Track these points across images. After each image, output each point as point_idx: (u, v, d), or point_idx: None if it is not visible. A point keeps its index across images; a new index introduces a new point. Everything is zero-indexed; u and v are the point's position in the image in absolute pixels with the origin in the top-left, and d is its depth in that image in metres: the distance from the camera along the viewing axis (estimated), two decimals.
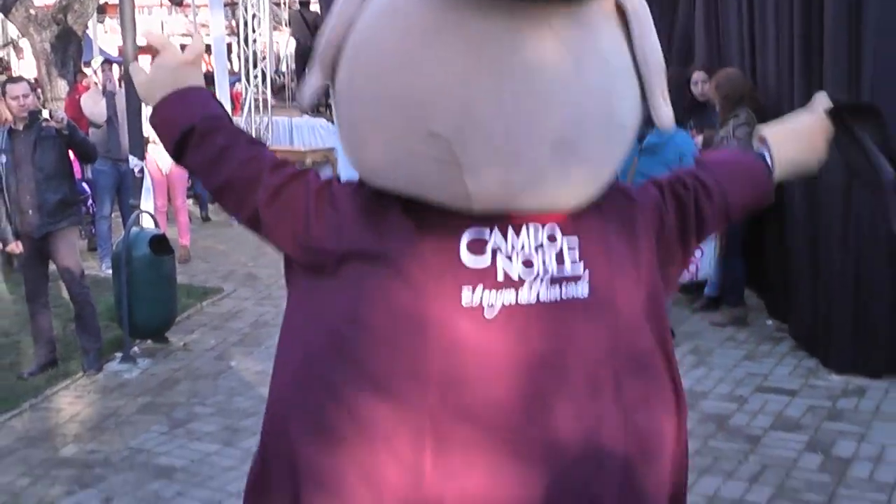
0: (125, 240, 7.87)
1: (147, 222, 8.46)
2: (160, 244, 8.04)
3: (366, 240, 2.14)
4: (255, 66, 16.11)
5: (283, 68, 22.33)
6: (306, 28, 18.38)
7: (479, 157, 2.04)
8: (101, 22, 27.82)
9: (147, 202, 10.51)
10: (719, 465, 5.45)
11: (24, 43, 19.94)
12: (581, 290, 2.16)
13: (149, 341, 8.20)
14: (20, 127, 7.34)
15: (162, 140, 2.30)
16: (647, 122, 2.42)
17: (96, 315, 7.74)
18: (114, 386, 7.28)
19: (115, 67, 11.99)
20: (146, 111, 10.62)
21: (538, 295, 2.12)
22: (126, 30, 9.16)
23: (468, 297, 2.08)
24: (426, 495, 2.06)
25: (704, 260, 7.63)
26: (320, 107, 18.43)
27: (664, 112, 2.30)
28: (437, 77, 2.01)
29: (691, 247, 2.51)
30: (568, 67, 2.04)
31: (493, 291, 2.10)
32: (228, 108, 14.35)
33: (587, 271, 2.18)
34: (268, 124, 16.05)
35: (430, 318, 2.07)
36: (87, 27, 17.14)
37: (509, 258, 2.13)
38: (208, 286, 10.21)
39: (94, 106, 11.00)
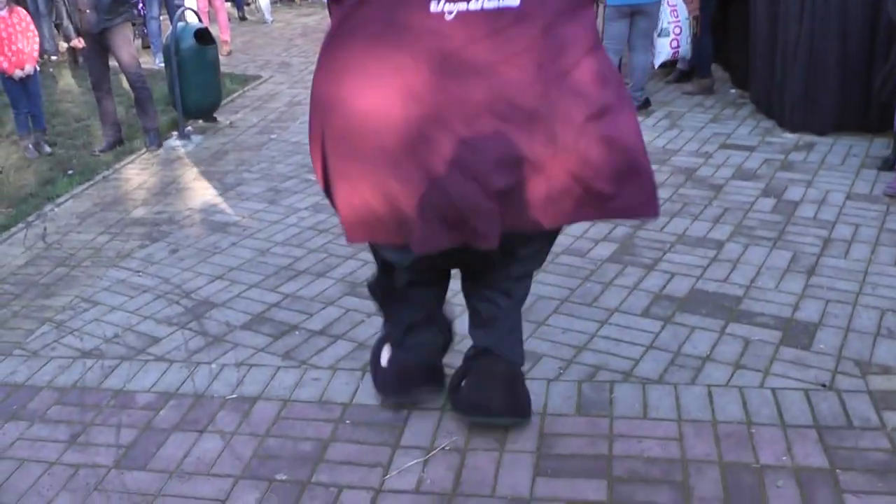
0: (173, 33, 7.76)
1: (191, 18, 8.31)
2: (204, 36, 7.93)
3: None
4: None
5: None
6: None
7: None
8: None
9: (190, 2, 10.33)
10: (687, 209, 5.51)
11: None
12: (513, 2, 2.69)
13: (200, 121, 8.19)
14: None
15: None
16: None
17: (153, 99, 7.71)
18: (173, 159, 7.32)
19: None
20: None
21: (482, 5, 2.69)
22: None
23: (434, 6, 2.69)
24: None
25: (683, 38, 7.53)
26: None
27: None
28: None
29: None
30: None
31: (451, 3, 2.69)
32: None
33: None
34: None
35: (411, 19, 2.71)
36: None
37: None
38: (248, 74, 10.13)
39: None
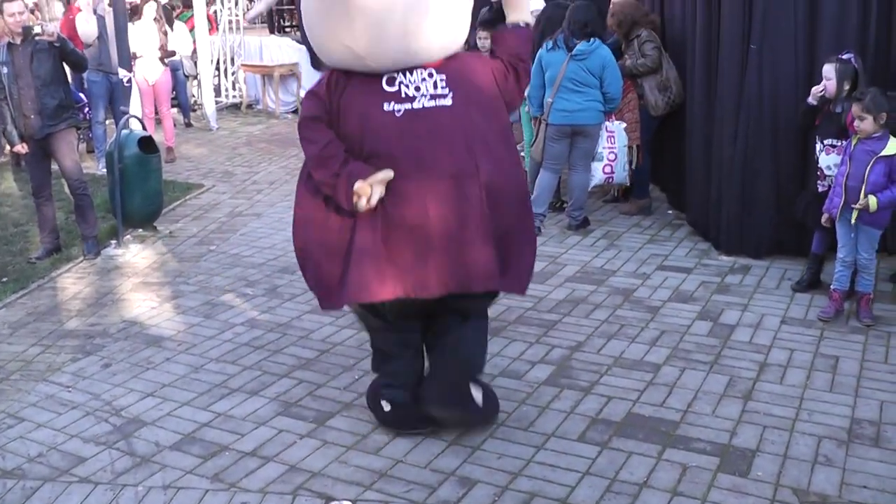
0: (117, 140, 7.73)
1: (136, 125, 8.30)
2: (148, 144, 7.92)
3: (340, 91, 3.84)
4: None
5: None
6: None
7: (377, 53, 3.72)
8: None
9: (136, 109, 10.33)
10: (624, 331, 5.53)
11: None
12: (448, 101, 3.77)
13: (139, 229, 8.09)
14: (18, 41, 7.14)
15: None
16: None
17: (93, 206, 7.62)
18: (110, 268, 7.20)
19: None
20: (131, 29, 10.37)
21: (423, 104, 3.77)
22: None
23: (387, 106, 3.77)
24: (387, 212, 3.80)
25: (618, 165, 7.64)
26: (286, 28, 18.15)
27: (525, 15, 4.24)
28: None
29: (520, 79, 4.09)
30: None
31: (399, 104, 3.77)
32: (205, 27, 14.05)
33: (451, 91, 3.79)
34: (241, 42, 15.70)
35: (369, 115, 3.78)
36: None
37: (407, 86, 3.77)
38: (191, 182, 10.07)
39: (86, 25, 10.66)
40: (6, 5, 7.22)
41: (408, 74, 3.79)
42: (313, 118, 3.86)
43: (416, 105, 3.77)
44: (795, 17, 6.39)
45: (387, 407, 4.31)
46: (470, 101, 3.83)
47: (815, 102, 5.88)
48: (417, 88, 3.79)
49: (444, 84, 3.80)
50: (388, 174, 3.72)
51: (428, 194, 3.74)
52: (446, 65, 3.86)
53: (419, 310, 4.07)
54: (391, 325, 4.16)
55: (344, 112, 3.81)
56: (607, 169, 7.65)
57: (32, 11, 14.72)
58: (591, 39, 7.26)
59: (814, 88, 5.88)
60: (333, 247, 3.88)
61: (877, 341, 5.28)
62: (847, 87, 5.73)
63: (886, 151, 5.36)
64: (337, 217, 3.86)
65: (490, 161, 3.83)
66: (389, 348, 4.27)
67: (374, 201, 3.70)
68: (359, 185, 3.69)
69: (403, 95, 3.77)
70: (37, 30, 7.17)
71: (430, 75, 3.81)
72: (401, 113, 3.76)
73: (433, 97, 3.78)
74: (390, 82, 3.79)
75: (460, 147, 3.77)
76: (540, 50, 7.42)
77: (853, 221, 5.45)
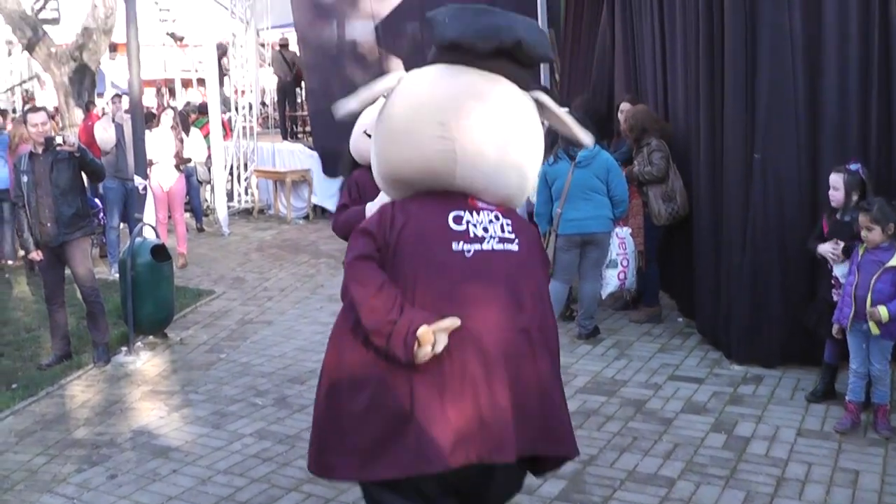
0: (130, 248, 7.75)
1: (149, 233, 8.33)
2: (160, 252, 7.94)
3: (399, 229, 3.30)
4: (242, 97, 15.97)
5: (267, 100, 22.13)
6: (285, 65, 18.26)
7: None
8: (113, 59, 27.49)
9: (150, 215, 10.39)
10: (637, 444, 5.41)
11: (46, 76, 19.66)
12: (515, 247, 3.37)
13: (150, 336, 8.05)
14: (39, 150, 7.24)
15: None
16: (576, 143, 3.70)
17: (105, 313, 7.60)
18: (120, 376, 7.13)
19: (125, 99, 11.80)
20: (149, 137, 10.53)
21: (493, 246, 3.33)
22: (132, 65, 9.03)
23: (455, 245, 3.28)
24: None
25: (630, 270, 7.63)
26: (298, 134, 18.38)
27: (584, 137, 3.49)
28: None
29: None
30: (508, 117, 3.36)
31: (468, 243, 3.29)
32: (220, 134, 14.23)
33: (517, 238, 3.39)
34: (254, 148, 15.90)
35: (434, 254, 3.27)
36: (99, 63, 16.89)
37: (475, 226, 3.34)
38: (202, 288, 10.06)
39: (104, 133, 10.83)
40: (30, 116, 7.40)
41: (475, 214, 3.40)
42: (364, 257, 3.30)
43: (485, 246, 3.34)
44: (797, 125, 6.43)
45: None
46: (532, 250, 3.48)
47: (823, 256, 5.88)
48: (486, 229, 3.38)
49: (510, 229, 3.41)
50: (454, 321, 3.16)
51: (498, 345, 3.23)
52: (507, 210, 3.50)
53: (462, 485, 3.38)
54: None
55: (403, 251, 3.30)
56: (621, 275, 7.64)
57: (52, 117, 14.98)
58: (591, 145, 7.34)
59: (821, 248, 5.87)
60: (380, 406, 3.19)
61: None
62: (855, 196, 5.72)
63: (894, 262, 5.33)
64: (387, 371, 3.21)
65: (549, 317, 3.47)
66: None
67: (438, 349, 3.11)
68: (423, 331, 3.09)
69: (472, 235, 3.35)
70: (58, 140, 7.27)
71: (497, 218, 3.42)
72: (471, 253, 3.31)
73: (502, 240, 3.38)
74: (457, 221, 3.36)
75: (528, 297, 3.35)
76: (542, 166, 7.47)
77: (873, 333, 5.38)
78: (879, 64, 6.18)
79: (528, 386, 3.25)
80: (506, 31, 3.31)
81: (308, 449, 3.38)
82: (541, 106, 3.48)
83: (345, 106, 3.39)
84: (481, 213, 3.41)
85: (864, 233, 5.41)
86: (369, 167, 3.77)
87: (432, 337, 3.10)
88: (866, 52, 6.22)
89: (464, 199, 3.39)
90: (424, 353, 3.09)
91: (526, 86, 3.46)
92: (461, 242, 3.31)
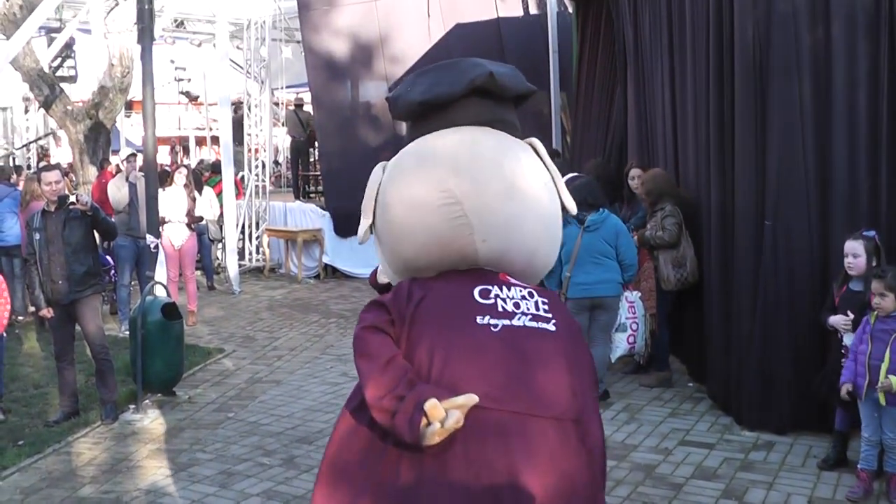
0: (141, 306, 7.77)
1: (160, 291, 8.36)
2: (171, 310, 7.96)
3: (417, 301, 2.97)
4: (255, 157, 16.11)
5: (280, 160, 22.32)
6: (300, 125, 18.45)
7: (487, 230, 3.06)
8: (128, 116, 27.80)
9: (161, 273, 10.43)
10: None
11: (62, 133, 19.87)
12: (551, 326, 2.98)
13: (159, 395, 8.04)
14: (52, 208, 7.30)
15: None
16: (585, 207, 3.84)
17: (114, 371, 7.61)
18: (127, 433, 7.11)
19: (139, 157, 11.92)
20: (162, 195, 10.62)
21: (524, 323, 2.95)
22: (147, 124, 9.13)
23: (480, 319, 2.92)
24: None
25: (639, 334, 7.63)
26: (311, 194, 18.50)
27: (568, 202, 3.28)
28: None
29: None
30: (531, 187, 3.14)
31: (495, 318, 2.93)
32: (232, 192, 14.33)
33: (553, 317, 3.01)
34: (266, 207, 16.01)
35: (454, 328, 2.91)
36: (115, 121, 17.07)
37: (504, 301, 2.99)
38: (211, 347, 10.07)
39: (117, 192, 10.93)
40: (44, 174, 7.48)
41: (505, 289, 3.05)
42: (373, 328, 2.95)
43: (515, 322, 2.95)
44: (808, 193, 6.46)
45: None
46: (572, 331, 3.09)
47: (833, 327, 5.89)
48: (517, 305, 3.01)
49: (546, 308, 3.04)
50: (470, 398, 2.74)
51: (523, 434, 2.79)
52: (545, 291, 3.16)
53: None
54: None
55: (420, 324, 2.94)
56: (631, 339, 7.64)
57: (67, 174, 15.11)
58: (600, 210, 7.38)
59: (832, 319, 5.89)
60: (385, 495, 2.80)
61: None
62: (874, 263, 5.72)
63: None
64: (394, 456, 2.82)
65: (591, 410, 3.03)
66: None
67: (448, 426, 2.67)
68: (430, 405, 2.68)
69: (500, 310, 2.98)
70: (71, 199, 7.33)
71: (531, 295, 3.06)
72: (498, 328, 2.92)
73: (535, 318, 2.99)
74: (484, 294, 3.01)
75: (564, 382, 2.90)
76: None
77: (882, 403, 5.35)
78: (888, 132, 6.22)
79: (558, 489, 2.77)
80: (472, 68, 3.11)
81: None
82: (536, 152, 3.26)
83: (360, 237, 3.24)
84: (513, 288, 3.06)
85: (876, 300, 5.41)
86: None
87: (442, 412, 2.68)
88: (875, 120, 6.28)
89: (494, 274, 3.09)
90: (432, 431, 2.66)
91: (516, 132, 3.25)
92: (487, 316, 2.94)
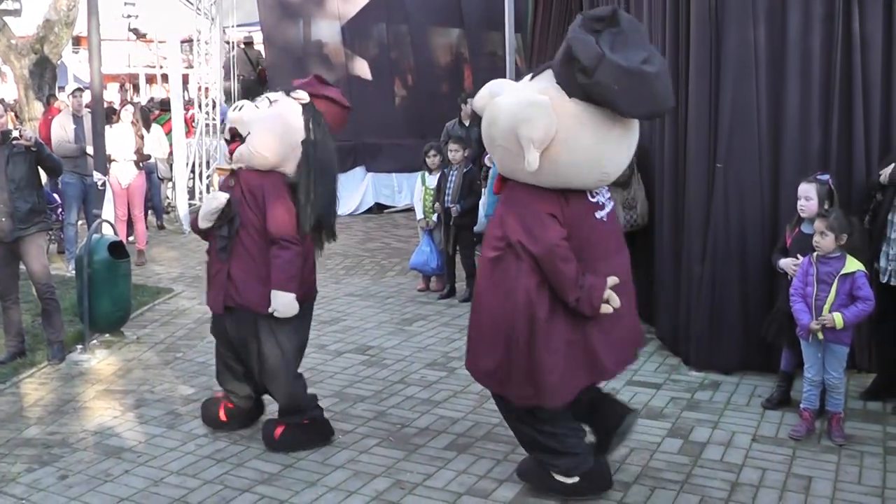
0: (87, 245, 7.66)
1: (107, 230, 8.23)
2: (118, 249, 7.83)
3: (566, 209, 4.50)
4: (206, 95, 15.83)
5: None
6: (249, 63, 18.16)
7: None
8: (76, 52, 27.22)
9: (108, 211, 10.27)
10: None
11: (6, 68, 19.44)
12: (611, 205, 4.75)
13: (106, 335, 7.95)
14: None
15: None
16: None
17: (60, 311, 7.48)
18: (74, 374, 7.03)
19: (86, 93, 11.67)
20: (109, 133, 10.42)
21: (609, 208, 4.68)
22: (93, 57, 8.92)
23: (598, 214, 4.60)
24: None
25: None
26: None
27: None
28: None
29: None
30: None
31: (600, 211, 4.61)
32: (182, 131, 14.10)
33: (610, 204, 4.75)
34: (216, 146, 15.79)
35: (588, 223, 4.56)
36: (61, 56, 16.72)
37: (601, 195, 4.65)
38: (160, 286, 9.97)
39: (61, 130, 10.69)
40: None
41: (599, 193, 4.66)
42: (565, 238, 4.41)
43: (608, 210, 4.65)
44: (759, 137, 6.49)
45: (575, 479, 4.72)
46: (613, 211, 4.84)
47: (783, 270, 5.95)
48: (606, 197, 4.70)
49: (606, 192, 4.74)
50: (614, 280, 4.47)
51: (626, 283, 4.63)
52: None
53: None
54: (569, 411, 4.74)
55: (571, 224, 4.46)
56: None
57: (11, 110, 14.77)
58: None
59: (782, 262, 5.95)
60: (575, 341, 4.49)
61: (850, 461, 5.19)
62: (826, 206, 5.75)
63: (846, 270, 5.39)
64: (572, 317, 4.48)
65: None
66: (567, 431, 4.73)
67: (615, 305, 4.44)
68: (608, 295, 4.42)
69: (600, 204, 4.63)
70: (14, 134, 7.14)
71: (611, 196, 4.79)
72: (605, 218, 4.61)
73: (608, 201, 4.71)
74: (593, 195, 4.60)
75: (623, 240, 4.86)
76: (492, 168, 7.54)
77: (819, 338, 5.44)
78: (841, 79, 6.27)
79: (631, 309, 4.74)
80: (670, 97, 4.46)
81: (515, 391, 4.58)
82: None
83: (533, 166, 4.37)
84: (604, 191, 4.71)
85: (816, 237, 5.46)
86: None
87: (616, 298, 4.44)
88: (828, 67, 6.33)
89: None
90: (606, 309, 4.41)
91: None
92: (599, 212, 4.58)
